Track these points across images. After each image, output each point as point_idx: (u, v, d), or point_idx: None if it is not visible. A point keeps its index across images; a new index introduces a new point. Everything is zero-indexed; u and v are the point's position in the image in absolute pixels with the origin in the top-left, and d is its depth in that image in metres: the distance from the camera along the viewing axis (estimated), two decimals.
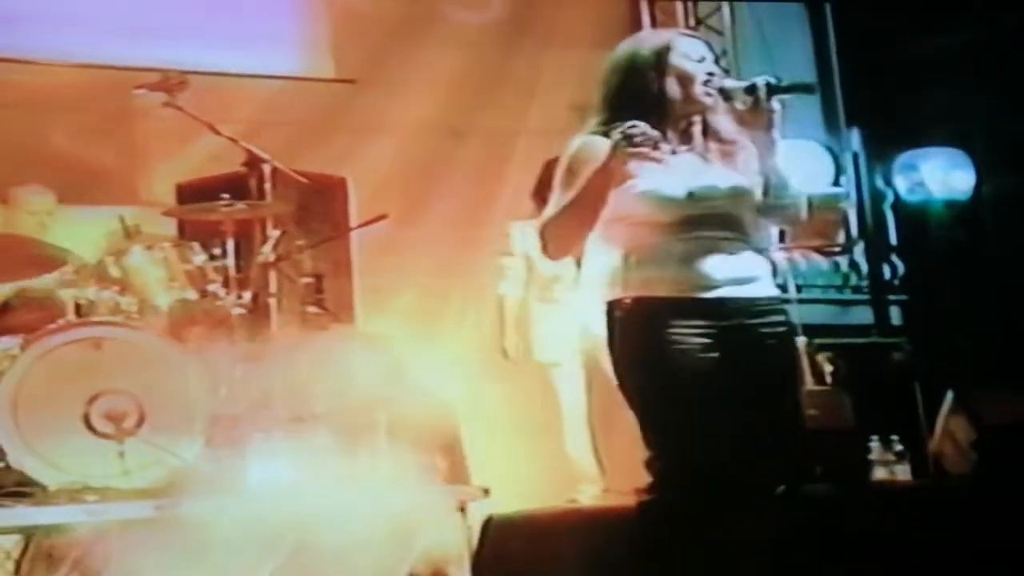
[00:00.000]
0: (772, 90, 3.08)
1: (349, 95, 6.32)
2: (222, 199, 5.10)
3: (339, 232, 5.78)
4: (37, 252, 4.98)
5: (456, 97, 6.28)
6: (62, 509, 4.07)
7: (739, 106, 3.10)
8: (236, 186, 5.20)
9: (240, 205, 5.09)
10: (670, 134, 3.12)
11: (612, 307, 3.11)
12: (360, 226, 5.71)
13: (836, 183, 6.42)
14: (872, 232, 6.78)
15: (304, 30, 6.61)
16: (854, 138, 6.68)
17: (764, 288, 3.15)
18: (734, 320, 3.06)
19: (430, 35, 6.39)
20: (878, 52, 6.77)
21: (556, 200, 3.10)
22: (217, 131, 5.21)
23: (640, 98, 3.12)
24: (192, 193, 5.71)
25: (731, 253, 3.09)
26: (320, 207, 5.69)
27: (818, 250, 6.41)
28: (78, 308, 4.78)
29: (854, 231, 6.61)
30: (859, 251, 6.75)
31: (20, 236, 5.14)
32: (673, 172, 3.10)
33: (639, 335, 3.05)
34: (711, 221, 3.08)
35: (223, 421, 4.62)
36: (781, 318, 3.15)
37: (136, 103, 5.43)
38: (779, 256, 5.99)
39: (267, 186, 5.19)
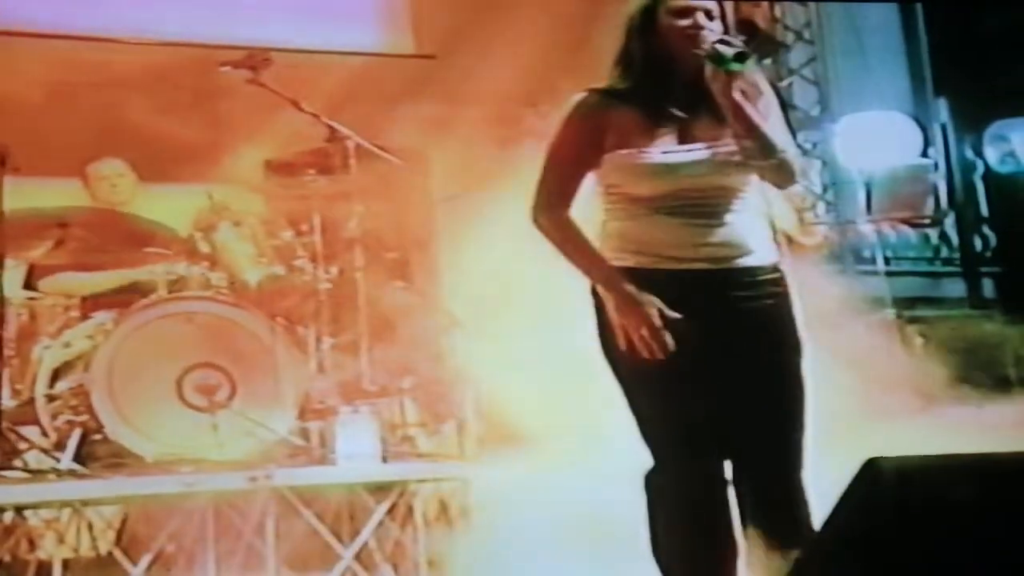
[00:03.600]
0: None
1: (429, 70, 6.31)
2: (307, 175, 5.15)
3: (422, 207, 5.79)
4: (133, 227, 5.04)
5: (536, 69, 6.24)
6: (159, 479, 4.13)
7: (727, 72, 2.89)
8: (320, 162, 5.24)
9: (325, 181, 5.13)
10: (666, 100, 2.96)
11: None
12: (443, 200, 5.71)
13: (924, 154, 6.31)
14: (962, 203, 6.67)
15: (383, 6, 6.61)
16: (942, 109, 6.55)
17: (755, 259, 2.96)
18: (712, 294, 2.91)
19: (509, 6, 6.35)
20: (966, 22, 6.64)
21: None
22: (301, 107, 5.23)
23: (635, 60, 2.97)
24: (278, 169, 5.76)
25: (715, 226, 2.94)
26: (403, 182, 5.69)
27: (907, 222, 6.32)
28: (169, 283, 4.85)
29: (944, 203, 6.50)
30: (949, 223, 6.64)
31: (115, 211, 5.20)
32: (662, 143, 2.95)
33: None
34: (696, 194, 2.93)
35: (312, 394, 4.66)
36: (769, 289, 2.96)
37: (221, 80, 5.46)
38: (868, 228, 5.92)
39: (351, 161, 5.22)
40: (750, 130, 2.90)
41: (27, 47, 5.82)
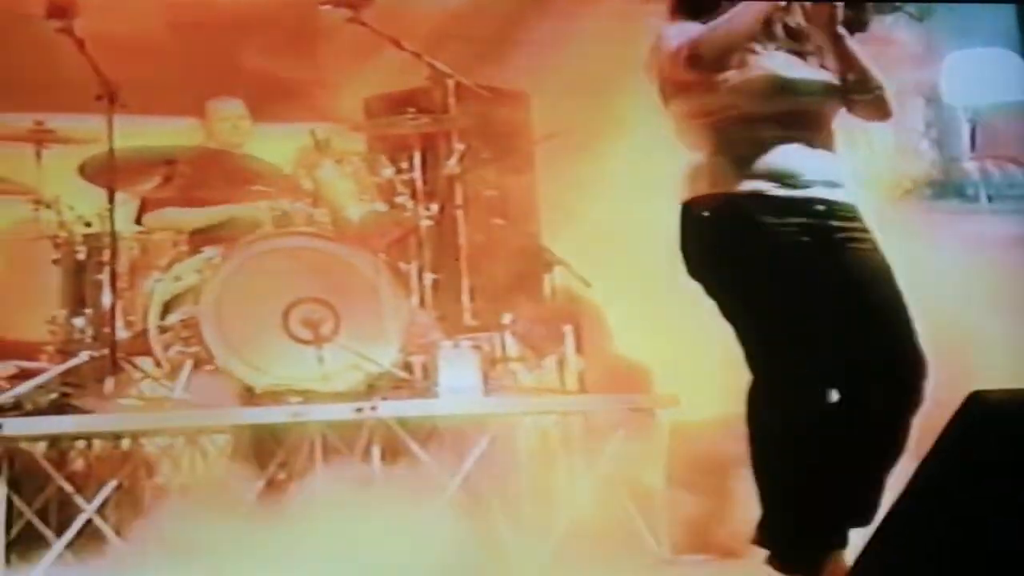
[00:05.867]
0: None
1: (530, 8, 6.30)
2: (408, 113, 5.20)
3: (522, 145, 5.81)
4: (238, 165, 5.13)
5: (637, 7, 6.20)
6: (268, 409, 4.24)
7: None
8: (421, 100, 5.29)
9: (425, 119, 5.18)
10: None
11: (692, 205, 3.03)
12: (543, 139, 5.73)
13: None
14: None
15: None
16: None
17: (848, 194, 3.04)
18: (825, 220, 2.96)
19: None
20: None
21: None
22: (401, 46, 5.27)
23: None
24: (379, 107, 5.82)
25: (821, 154, 3.01)
26: (503, 121, 5.72)
27: (1013, 160, 6.21)
28: (273, 220, 4.96)
29: None
30: None
31: (222, 151, 5.30)
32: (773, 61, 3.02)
33: (734, 232, 2.96)
34: (801, 118, 3.00)
35: (415, 328, 4.74)
36: (865, 225, 3.04)
37: (322, 20, 5.51)
38: (971, 166, 5.84)
39: (451, 100, 5.26)
40: (852, 64, 3.00)
41: None
